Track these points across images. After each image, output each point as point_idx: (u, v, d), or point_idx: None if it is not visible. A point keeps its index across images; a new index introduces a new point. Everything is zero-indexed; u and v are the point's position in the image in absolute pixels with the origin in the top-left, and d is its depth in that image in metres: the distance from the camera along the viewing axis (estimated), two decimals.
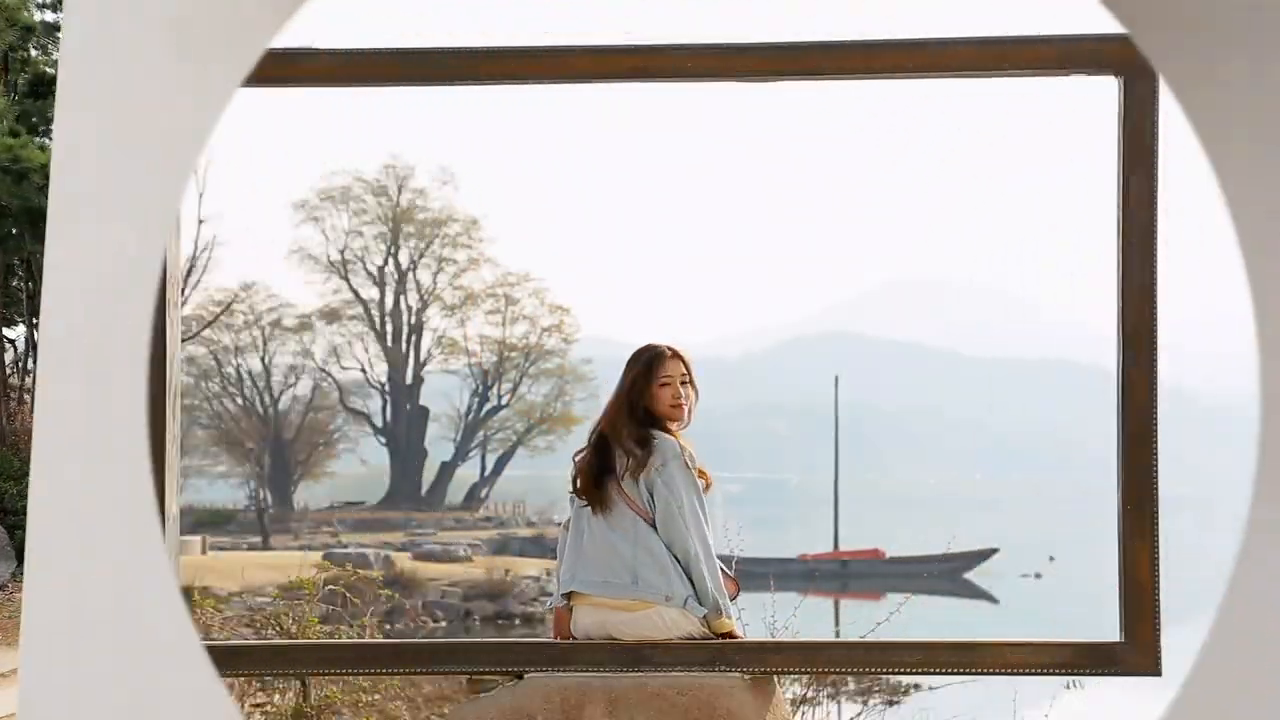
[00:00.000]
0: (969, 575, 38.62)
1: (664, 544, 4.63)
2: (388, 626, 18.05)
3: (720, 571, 4.70)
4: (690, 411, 4.83)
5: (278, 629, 7.15)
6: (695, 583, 4.60)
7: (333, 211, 61.74)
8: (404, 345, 62.19)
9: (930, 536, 69.78)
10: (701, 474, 4.75)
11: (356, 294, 62.22)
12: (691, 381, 4.83)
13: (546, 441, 64.58)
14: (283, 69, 4.75)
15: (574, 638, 4.73)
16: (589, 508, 4.72)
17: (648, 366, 4.78)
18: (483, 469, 64.01)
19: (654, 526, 4.65)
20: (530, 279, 63.37)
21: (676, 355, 4.81)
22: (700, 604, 4.62)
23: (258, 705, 7.39)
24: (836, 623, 24.23)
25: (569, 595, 4.74)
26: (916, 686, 11.71)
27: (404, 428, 62.19)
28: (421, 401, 63.39)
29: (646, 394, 4.77)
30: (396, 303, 62.48)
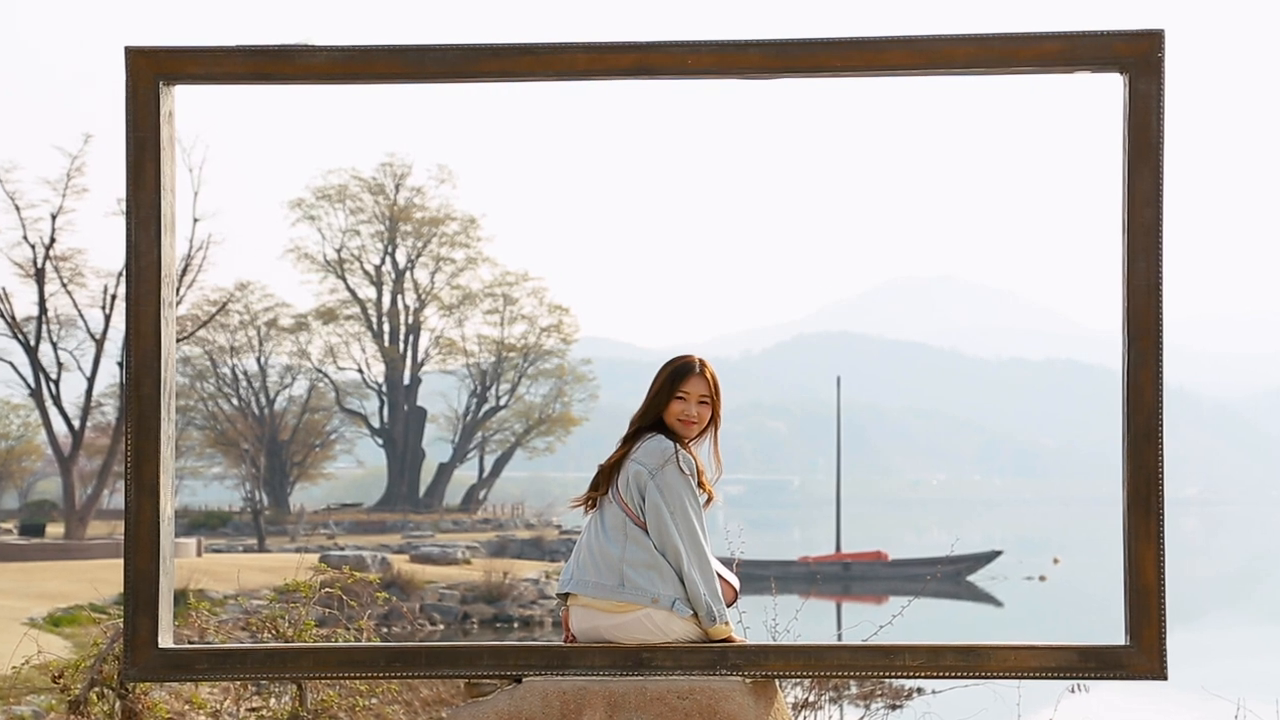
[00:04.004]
0: (973, 578, 38.57)
1: (656, 546, 4.57)
2: (385, 630, 18.02)
3: (717, 576, 4.64)
4: (704, 431, 4.76)
5: (274, 632, 7.11)
6: (686, 587, 4.55)
7: (329, 210, 61.83)
8: (401, 345, 62.18)
9: (933, 539, 69.92)
10: (703, 485, 4.69)
11: (353, 293, 62.24)
12: (711, 402, 4.74)
13: (546, 443, 64.62)
14: (280, 66, 4.64)
15: (573, 636, 4.69)
16: (596, 507, 4.70)
17: (671, 377, 4.73)
18: (481, 470, 64.05)
19: (645, 529, 4.59)
20: (529, 279, 63.45)
21: (703, 374, 4.74)
22: (691, 608, 4.56)
23: (254, 709, 7.35)
24: (839, 626, 24.20)
25: (566, 595, 4.69)
26: (920, 690, 11.67)
27: (401, 429, 62.19)
28: (419, 402, 63.40)
29: (664, 404, 4.72)
30: (394, 302, 62.49)
